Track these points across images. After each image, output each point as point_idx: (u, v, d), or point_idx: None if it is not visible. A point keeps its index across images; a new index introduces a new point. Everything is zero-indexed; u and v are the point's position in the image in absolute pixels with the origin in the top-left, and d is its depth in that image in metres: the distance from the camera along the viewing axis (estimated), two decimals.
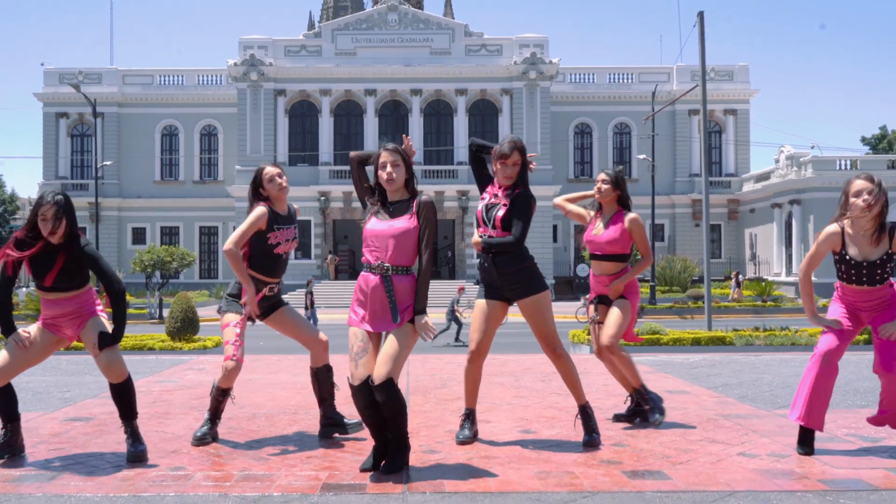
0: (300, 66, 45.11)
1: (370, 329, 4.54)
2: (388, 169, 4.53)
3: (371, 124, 45.61)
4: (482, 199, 5.30)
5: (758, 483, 4.31)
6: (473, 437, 5.35)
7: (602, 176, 5.89)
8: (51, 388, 7.80)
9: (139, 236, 48.70)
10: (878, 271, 4.81)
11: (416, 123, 45.61)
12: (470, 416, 5.38)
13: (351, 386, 4.50)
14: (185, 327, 13.67)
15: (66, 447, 5.15)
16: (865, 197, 4.69)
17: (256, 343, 18.56)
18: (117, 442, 5.24)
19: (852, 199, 4.75)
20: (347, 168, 44.17)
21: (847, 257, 4.85)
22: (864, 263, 4.81)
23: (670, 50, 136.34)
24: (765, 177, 45.23)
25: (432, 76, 45.29)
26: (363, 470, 4.53)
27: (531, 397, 7.24)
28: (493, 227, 5.14)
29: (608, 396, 7.15)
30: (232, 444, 5.25)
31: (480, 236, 5.24)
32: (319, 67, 45.01)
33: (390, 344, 4.43)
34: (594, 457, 4.88)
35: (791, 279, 42.14)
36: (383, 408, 4.40)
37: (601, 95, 49.24)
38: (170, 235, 48.68)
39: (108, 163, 42.76)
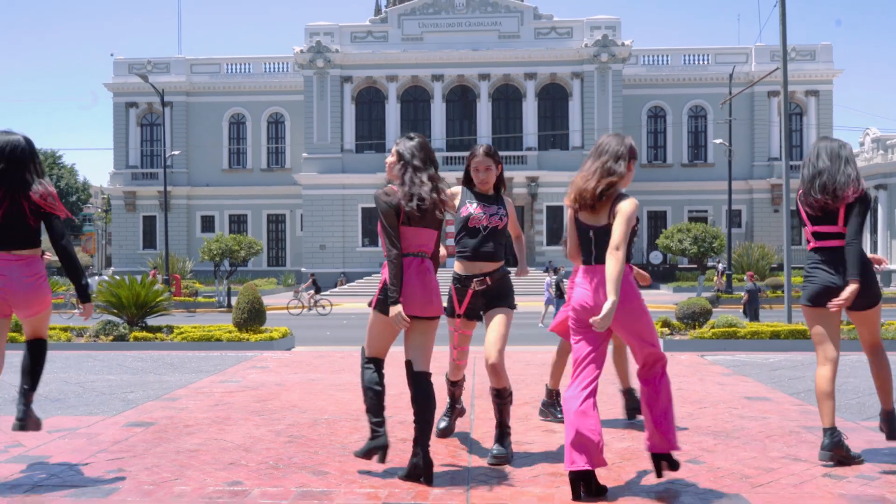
0: (366, 53, 45.06)
1: None
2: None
3: (438, 110, 45.37)
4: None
5: None
6: None
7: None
8: (115, 388, 7.82)
9: (208, 224, 49.63)
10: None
11: (484, 108, 45.22)
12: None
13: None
14: (251, 318, 13.68)
15: (126, 456, 5.08)
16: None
17: (324, 333, 18.61)
18: (177, 451, 5.17)
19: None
20: None
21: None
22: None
23: (748, 30, 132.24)
24: None
25: (500, 60, 44.74)
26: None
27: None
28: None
29: (683, 403, 6.80)
30: (291, 455, 5.11)
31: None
32: (386, 53, 44.88)
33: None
34: (666, 475, 4.56)
35: (876, 268, 40.50)
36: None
37: (675, 78, 48.02)
38: (238, 223, 49.51)
39: (176, 152, 43.55)
